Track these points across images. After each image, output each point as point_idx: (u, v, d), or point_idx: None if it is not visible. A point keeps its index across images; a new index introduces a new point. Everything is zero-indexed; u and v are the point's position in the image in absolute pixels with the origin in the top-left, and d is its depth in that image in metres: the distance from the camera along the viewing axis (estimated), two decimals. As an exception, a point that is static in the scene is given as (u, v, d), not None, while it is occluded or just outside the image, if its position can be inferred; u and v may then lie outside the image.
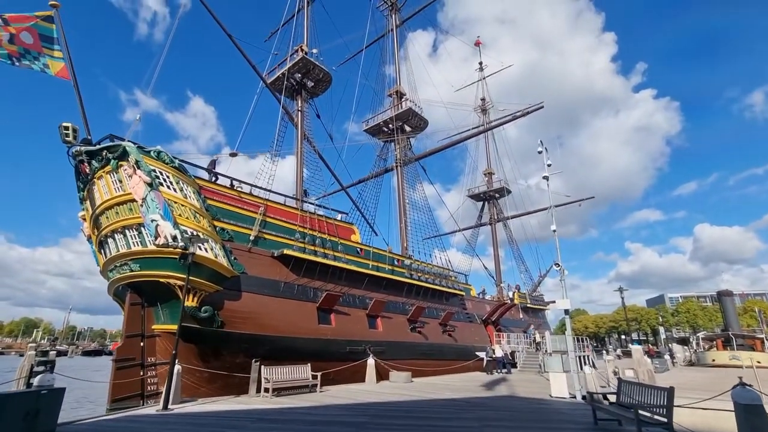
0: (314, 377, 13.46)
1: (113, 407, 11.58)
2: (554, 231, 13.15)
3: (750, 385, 5.39)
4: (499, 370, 22.19)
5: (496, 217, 45.69)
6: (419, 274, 24.53)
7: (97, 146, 12.70)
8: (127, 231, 12.83)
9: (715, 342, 33.34)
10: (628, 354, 39.20)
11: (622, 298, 29.22)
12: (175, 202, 12.64)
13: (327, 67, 24.00)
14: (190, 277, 11.40)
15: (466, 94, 50.23)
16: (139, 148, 12.61)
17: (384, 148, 33.38)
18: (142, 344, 13.13)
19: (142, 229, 12.42)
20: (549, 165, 13.48)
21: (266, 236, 16.21)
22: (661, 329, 67.61)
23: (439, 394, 13.27)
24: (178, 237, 11.78)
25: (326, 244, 18.60)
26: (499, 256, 44.76)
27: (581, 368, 13.18)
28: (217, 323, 13.37)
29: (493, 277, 43.50)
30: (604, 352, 43.91)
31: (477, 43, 52.04)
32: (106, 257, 13.73)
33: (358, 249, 20.52)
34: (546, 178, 13.50)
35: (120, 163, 12.47)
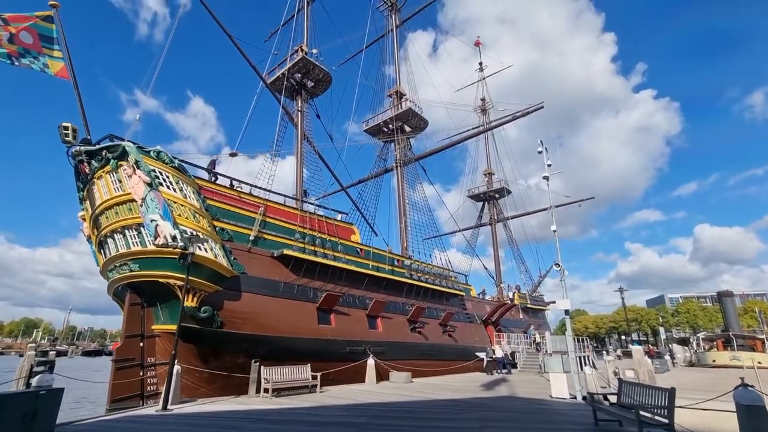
0: (314, 377, 13.43)
1: (113, 407, 11.56)
2: (554, 231, 13.13)
3: (752, 386, 5.37)
4: (499, 371, 22.15)
5: (496, 218, 45.66)
6: (419, 275, 24.51)
7: (97, 146, 12.68)
8: (126, 231, 12.81)
9: (715, 342, 33.30)
10: (628, 354, 39.19)
11: (623, 298, 29.16)
12: (175, 202, 12.62)
13: (327, 67, 24.00)
14: (190, 277, 11.39)
15: (466, 94, 50.37)
16: (138, 148, 12.59)
17: (384, 149, 33.37)
18: (141, 344, 13.10)
19: (142, 229, 12.40)
20: (549, 165, 13.46)
21: (266, 236, 16.19)
22: (661, 330, 67.60)
23: (439, 394, 13.24)
24: (178, 237, 11.76)
25: (326, 245, 18.58)
26: (499, 256, 44.77)
27: (581, 369, 13.15)
28: (217, 323, 13.34)
29: (493, 277, 43.50)
30: (604, 352, 43.85)
31: (477, 44, 52.04)
32: (105, 257, 13.71)
33: (358, 249, 20.50)
34: (546, 178, 13.48)
35: (119, 163, 12.45)
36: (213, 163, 16.96)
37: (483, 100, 49.02)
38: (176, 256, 12.08)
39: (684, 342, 41.75)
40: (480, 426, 7.94)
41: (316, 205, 20.20)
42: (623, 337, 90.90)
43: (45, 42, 12.05)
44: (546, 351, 24.44)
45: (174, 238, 11.74)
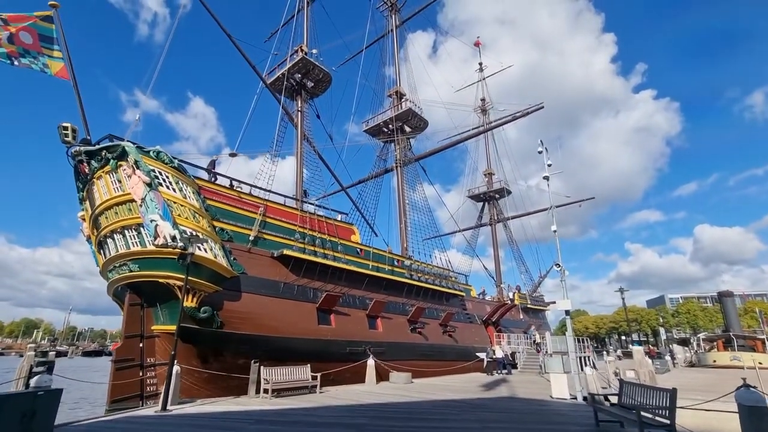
0: (314, 378, 13.41)
1: (112, 408, 11.52)
2: (555, 231, 13.10)
3: (754, 387, 5.34)
4: (499, 371, 22.12)
5: (496, 218, 45.62)
6: (419, 275, 24.48)
7: (96, 146, 12.66)
8: (126, 231, 12.79)
9: (715, 343, 33.28)
10: (628, 355, 39.17)
11: (623, 298, 29.12)
12: (175, 202, 12.60)
13: (327, 67, 23.98)
14: (190, 278, 11.36)
15: (466, 94, 50.45)
16: (138, 148, 12.57)
17: (384, 149, 33.36)
18: (141, 345, 13.08)
19: (142, 229, 12.38)
20: (549, 165, 13.43)
21: (266, 236, 16.16)
22: (662, 330, 67.47)
23: (440, 395, 13.21)
24: (177, 237, 11.74)
25: (326, 245, 18.55)
26: (500, 256, 44.72)
27: (582, 369, 13.12)
28: (217, 324, 13.32)
29: (493, 277, 43.45)
30: (605, 353, 43.80)
31: (476, 44, 52.04)
32: (105, 258, 13.69)
33: (358, 249, 20.47)
34: (546, 178, 13.45)
35: (119, 163, 12.43)
36: (213, 164, 16.93)
37: (483, 100, 49.02)
38: (176, 257, 12.05)
39: (684, 342, 41.74)
40: (480, 427, 7.91)
41: (316, 206, 20.19)
42: (623, 338, 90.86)
43: (44, 42, 12.03)
44: (546, 351, 24.41)
45: (173, 238, 11.72)
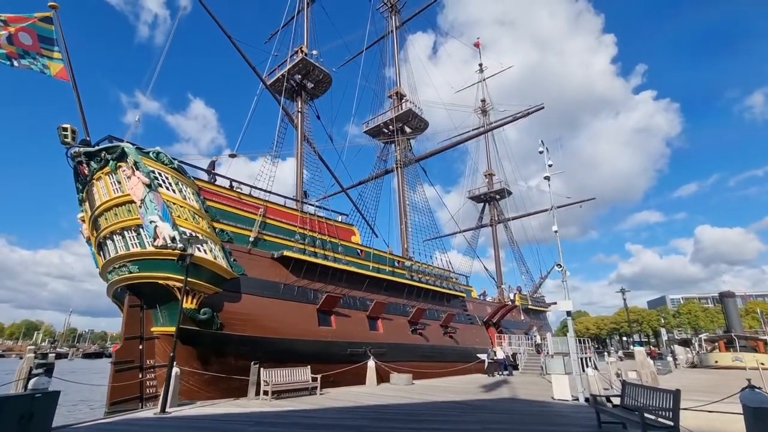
0: (314, 379, 13.35)
1: (112, 410, 11.47)
2: (556, 232, 13.05)
3: (759, 388, 5.28)
4: (500, 372, 22.05)
5: (496, 219, 45.58)
6: (420, 276, 24.42)
7: (96, 147, 12.63)
8: (125, 232, 12.74)
9: (717, 343, 33.17)
10: (629, 356, 39.02)
11: (624, 299, 28.99)
12: (174, 204, 12.56)
13: (327, 68, 23.97)
14: (189, 279, 11.32)
15: (466, 95, 50.45)
16: (137, 149, 12.54)
17: (384, 150, 33.34)
18: (141, 347, 13.02)
19: (141, 230, 12.34)
20: (550, 165, 13.39)
21: (266, 238, 16.12)
22: (663, 331, 67.27)
23: (441, 396, 13.15)
24: (177, 238, 11.69)
25: (326, 246, 18.51)
26: (500, 257, 44.67)
27: (583, 370, 13.05)
28: (217, 325, 13.26)
29: (494, 278, 43.38)
30: (606, 353, 43.67)
31: (476, 45, 52.06)
32: (104, 259, 13.64)
33: (359, 250, 20.43)
34: (547, 178, 13.40)
35: (119, 164, 12.40)
36: (213, 164, 16.90)
37: (483, 101, 49.02)
38: (175, 258, 12.00)
39: (686, 343, 41.62)
40: (481, 428, 7.85)
41: (317, 207, 20.15)
42: (624, 339, 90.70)
43: (44, 43, 12.02)
44: (547, 352, 24.33)
45: (173, 239, 11.68)
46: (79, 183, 13.66)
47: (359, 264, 19.79)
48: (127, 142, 12.71)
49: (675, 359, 30.80)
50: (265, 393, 11.97)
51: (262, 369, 12.31)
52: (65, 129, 12.10)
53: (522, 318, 38.50)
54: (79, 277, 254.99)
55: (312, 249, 17.67)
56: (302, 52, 23.18)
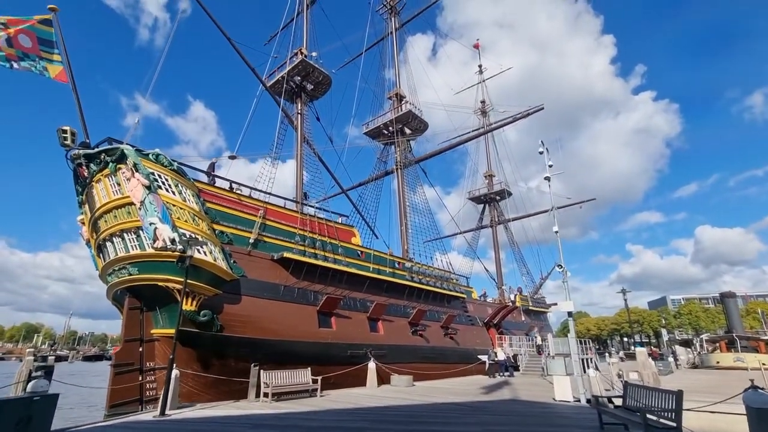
0: (314, 381, 13.29)
1: (111, 413, 11.44)
2: (556, 232, 13.02)
3: (762, 388, 5.24)
4: (501, 374, 21.99)
5: (497, 220, 45.55)
6: (420, 277, 24.38)
7: (95, 149, 12.63)
8: (125, 234, 12.72)
9: (718, 344, 33.09)
10: (630, 356, 38.98)
11: (625, 299, 28.96)
12: (174, 205, 12.53)
13: (326, 70, 23.99)
14: (189, 281, 11.29)
15: (466, 96, 50.24)
16: (137, 150, 12.53)
17: (384, 151, 33.34)
18: (140, 349, 12.99)
19: (141, 232, 12.32)
20: (551, 165, 13.37)
21: (266, 239, 16.09)
22: (664, 331, 67.12)
23: (441, 398, 13.10)
24: (177, 240, 11.67)
25: (326, 247, 18.47)
26: (501, 258, 44.60)
27: (585, 371, 13.00)
28: (217, 327, 13.22)
29: (494, 279, 43.30)
30: (607, 354, 43.58)
31: (476, 46, 52.09)
32: (104, 261, 13.62)
33: (359, 252, 20.39)
34: (548, 178, 13.38)
35: (118, 166, 12.39)
36: (212, 166, 16.87)
37: (483, 102, 49.04)
38: (175, 260, 11.98)
39: (687, 343, 41.52)
40: (483, 430, 7.81)
41: (317, 208, 20.13)
42: (625, 339, 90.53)
43: (44, 46, 12.02)
44: (548, 353, 24.26)
45: (173, 241, 11.65)
46: (79, 185, 13.66)
47: (359, 265, 19.76)
48: (127, 144, 12.70)
49: (676, 360, 30.70)
50: (266, 395, 11.92)
51: (262, 371, 12.26)
52: (65, 131, 12.10)
53: (523, 319, 38.43)
54: (79, 280, 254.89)
55: (312, 250, 17.64)
56: (302, 53, 23.19)
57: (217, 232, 14.16)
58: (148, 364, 12.97)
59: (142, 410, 11.72)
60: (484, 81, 50.17)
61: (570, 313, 12.29)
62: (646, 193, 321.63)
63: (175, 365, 10.32)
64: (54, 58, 12.23)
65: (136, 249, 12.53)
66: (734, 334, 31.38)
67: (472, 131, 40.06)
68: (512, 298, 39.52)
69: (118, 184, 12.51)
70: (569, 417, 9.42)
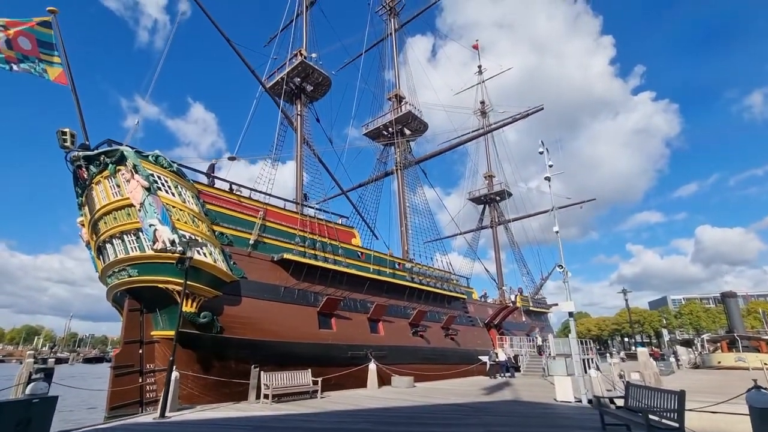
0: (315, 383, 13.25)
1: (111, 415, 11.41)
2: (557, 232, 13.00)
3: (765, 389, 5.21)
4: (502, 374, 21.95)
5: (497, 220, 45.52)
6: (420, 278, 24.35)
7: (95, 151, 12.62)
8: (125, 236, 12.70)
9: (719, 344, 33.04)
10: (631, 357, 38.91)
11: (626, 299, 28.90)
12: (174, 207, 12.52)
13: (326, 71, 24.01)
14: (189, 282, 11.25)
15: (466, 97, 50.18)
16: (137, 152, 12.52)
17: (384, 152, 33.34)
18: (140, 351, 12.96)
19: (141, 234, 12.30)
20: (551, 165, 13.35)
21: (266, 240, 16.07)
22: (664, 331, 67.06)
23: (442, 399, 13.07)
24: (176, 241, 11.64)
25: (326, 248, 18.45)
26: (501, 259, 44.57)
27: (586, 372, 12.97)
28: (217, 329, 13.19)
29: (494, 280, 43.26)
30: (608, 355, 43.51)
31: (475, 47, 52.12)
32: (104, 263, 13.60)
33: (359, 253, 20.36)
34: (548, 178, 13.36)
35: (118, 167, 12.38)
36: (212, 167, 16.86)
37: (482, 103, 49.06)
38: (175, 261, 11.95)
39: (688, 343, 41.47)
40: (484, 431, 7.78)
41: (317, 209, 20.11)
42: (626, 340, 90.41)
43: (43, 48, 12.03)
44: (549, 354, 24.21)
45: (173, 242, 11.63)
46: (79, 187, 13.64)
47: (360, 266, 19.73)
48: (126, 145, 12.69)
49: (677, 360, 30.64)
50: (266, 397, 11.88)
51: (262, 372, 12.23)
52: (64, 133, 12.09)
53: (523, 319, 38.38)
54: (79, 282, 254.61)
55: (312, 252, 17.61)
56: (301, 55, 23.20)
57: (216, 233, 14.14)
58: (148, 366, 12.94)
59: (142, 412, 11.69)
60: (483, 82, 50.21)
61: (571, 314, 12.27)
62: (646, 193, 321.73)
63: (175, 367, 10.29)
64: (54, 60, 12.23)
65: (136, 251, 12.51)
66: (735, 334, 31.33)
67: (472, 132, 40.06)
68: (513, 298, 39.48)
69: (118, 186, 12.50)
70: (571, 417, 9.39)
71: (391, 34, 35.04)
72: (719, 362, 28.77)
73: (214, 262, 12.97)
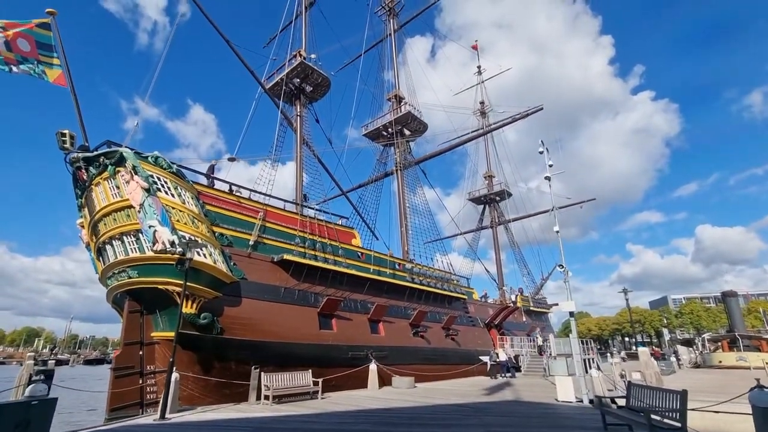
0: (315, 384, 13.23)
1: (112, 416, 11.38)
2: (557, 232, 12.97)
3: None
4: (503, 375, 21.92)
5: (497, 220, 45.52)
6: (421, 278, 24.33)
7: (94, 152, 12.61)
8: (125, 237, 12.68)
9: (720, 343, 32.99)
10: (632, 356, 38.83)
11: (627, 299, 28.92)
12: (173, 208, 12.50)
13: (325, 71, 24.02)
14: (189, 284, 11.23)
15: (465, 98, 50.23)
16: (136, 153, 12.51)
17: (384, 152, 33.35)
18: (141, 352, 12.93)
19: (140, 235, 12.27)
20: (551, 165, 13.33)
21: (266, 241, 16.06)
22: (665, 331, 67.04)
23: (443, 399, 13.04)
24: (176, 242, 11.62)
25: (327, 249, 18.43)
26: (501, 259, 44.57)
27: (587, 371, 12.94)
28: (217, 330, 13.17)
29: (495, 280, 43.26)
30: (609, 354, 43.47)
31: (474, 47, 52.16)
32: (104, 264, 13.58)
33: (359, 253, 20.35)
34: (548, 178, 13.35)
35: (117, 169, 12.36)
36: (212, 168, 16.84)
37: (482, 103, 49.08)
38: (174, 262, 11.93)
39: (689, 343, 41.42)
40: (485, 431, 7.76)
41: (317, 210, 20.09)
42: (626, 339, 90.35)
43: (42, 50, 12.03)
44: (550, 354, 24.18)
45: (172, 243, 11.60)
46: (78, 188, 13.62)
47: (360, 267, 19.71)
48: (126, 146, 12.68)
49: (678, 359, 30.59)
50: (266, 398, 11.86)
51: (262, 373, 12.21)
52: (64, 134, 12.09)
53: (524, 320, 38.35)
54: (80, 284, 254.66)
55: (312, 252, 17.60)
56: (301, 55, 23.21)
57: (216, 234, 14.12)
58: (148, 367, 12.92)
59: (142, 414, 11.66)
60: (483, 82, 50.26)
61: (572, 313, 12.25)
62: (646, 192, 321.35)
63: (175, 368, 10.27)
64: (53, 62, 12.23)
65: (136, 252, 12.49)
66: (736, 333, 31.27)
67: (472, 132, 40.08)
68: (513, 298, 39.46)
69: (117, 187, 12.48)
70: (572, 418, 9.36)
71: (390, 34, 35.07)
72: (720, 361, 28.72)
73: (214, 263, 12.95)
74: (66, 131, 12.14)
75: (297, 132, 23.14)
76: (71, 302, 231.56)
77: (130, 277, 12.79)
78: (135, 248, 12.53)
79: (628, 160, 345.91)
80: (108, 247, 13.18)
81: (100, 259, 13.87)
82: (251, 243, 15.34)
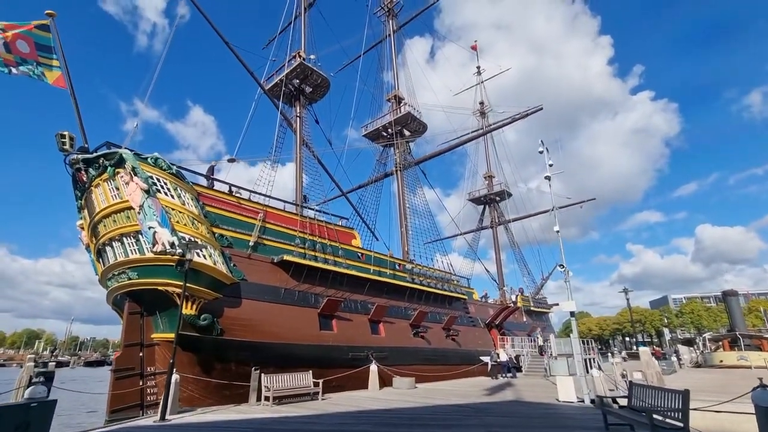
0: (316, 384, 13.20)
1: (112, 418, 11.36)
2: (558, 232, 12.95)
3: (770, 387, 5.16)
4: (503, 375, 21.88)
5: (497, 221, 45.48)
6: (421, 279, 24.30)
7: (94, 154, 12.60)
8: (124, 239, 12.67)
9: (721, 343, 32.92)
10: (633, 356, 38.77)
11: (627, 299, 28.88)
12: (173, 209, 12.48)
13: (325, 72, 24.00)
14: (189, 285, 11.22)
15: (465, 98, 50.24)
16: (135, 154, 12.50)
17: (383, 153, 33.34)
18: (141, 354, 12.91)
19: (140, 236, 12.26)
20: (551, 165, 13.32)
21: (266, 242, 16.04)
22: (666, 330, 66.96)
23: (444, 399, 13.01)
24: (176, 244, 11.60)
25: (327, 250, 18.41)
26: (501, 259, 44.52)
27: (588, 371, 12.91)
28: (217, 331, 13.15)
29: (495, 280, 43.21)
30: (609, 354, 43.42)
31: (473, 48, 52.16)
32: (104, 266, 13.56)
33: (359, 254, 20.32)
34: (548, 178, 13.33)
35: (117, 170, 12.35)
36: (212, 169, 16.83)
37: (482, 103, 49.07)
38: (174, 263, 11.91)
39: (689, 342, 41.33)
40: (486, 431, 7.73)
41: (317, 211, 20.07)
42: (627, 339, 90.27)
43: (42, 51, 12.02)
44: (551, 354, 24.15)
45: (172, 244, 11.58)
46: (78, 190, 13.61)
47: (360, 267, 19.69)
48: (125, 148, 12.67)
49: (679, 359, 30.52)
50: (267, 399, 11.84)
51: (263, 374, 12.18)
52: (63, 136, 12.08)
53: (524, 320, 38.30)
54: (80, 285, 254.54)
55: (312, 253, 17.58)
56: (300, 56, 23.20)
57: (216, 235, 14.10)
58: (148, 368, 12.90)
59: (142, 415, 11.63)
60: (482, 82, 50.25)
61: (572, 313, 12.22)
62: (646, 192, 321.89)
63: (175, 370, 10.25)
64: (52, 63, 12.22)
65: (136, 253, 12.48)
66: (737, 333, 31.21)
67: (472, 132, 40.06)
68: (513, 298, 39.42)
69: (117, 189, 12.47)
70: (573, 418, 9.34)
71: (389, 35, 35.07)
72: (721, 361, 28.65)
73: (214, 264, 12.93)
74: (65, 133, 12.13)
75: (297, 133, 23.12)
76: (72, 304, 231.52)
77: (130, 279, 12.77)
78: (135, 249, 12.51)
79: (627, 160, 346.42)
80: (108, 248, 13.17)
81: (100, 260, 13.85)
82: (251, 244, 15.32)
